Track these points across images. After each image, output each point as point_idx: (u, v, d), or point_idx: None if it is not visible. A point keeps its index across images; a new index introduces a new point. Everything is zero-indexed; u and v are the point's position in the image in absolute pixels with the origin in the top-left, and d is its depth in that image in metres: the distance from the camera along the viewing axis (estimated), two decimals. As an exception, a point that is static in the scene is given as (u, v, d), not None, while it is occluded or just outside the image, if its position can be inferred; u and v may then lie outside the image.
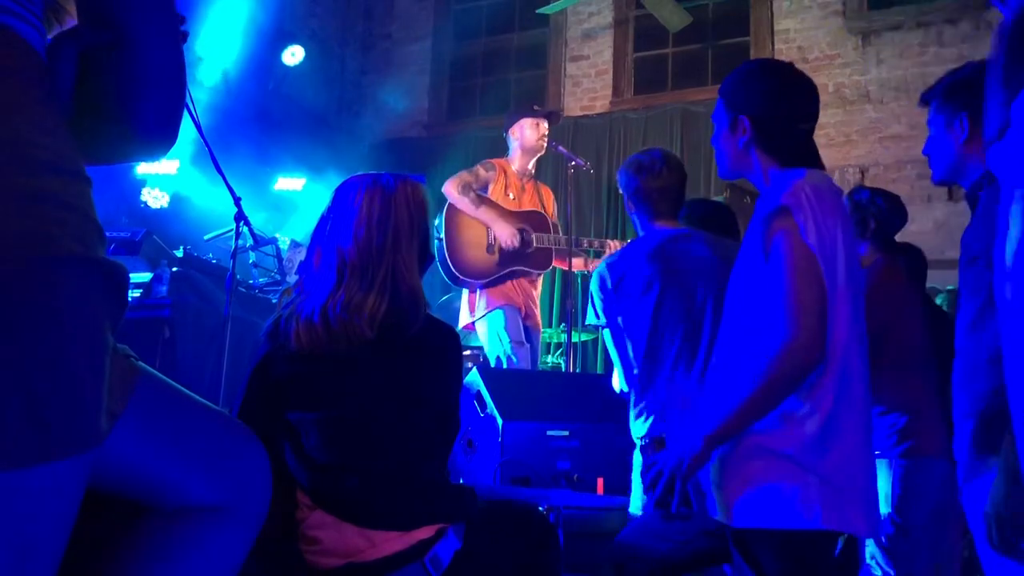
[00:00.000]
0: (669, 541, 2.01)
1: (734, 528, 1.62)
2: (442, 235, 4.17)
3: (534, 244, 4.27)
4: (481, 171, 4.34)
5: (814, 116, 1.80)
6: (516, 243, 4.19)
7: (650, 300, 2.35)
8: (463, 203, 4.22)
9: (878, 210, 2.71)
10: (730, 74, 1.85)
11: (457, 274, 4.17)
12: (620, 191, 2.63)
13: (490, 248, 4.22)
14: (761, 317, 1.61)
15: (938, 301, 3.79)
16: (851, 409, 1.59)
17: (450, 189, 4.25)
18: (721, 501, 1.64)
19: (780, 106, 1.77)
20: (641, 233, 2.57)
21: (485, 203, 4.24)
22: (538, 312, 4.42)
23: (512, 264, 4.26)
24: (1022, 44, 0.78)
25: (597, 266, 2.61)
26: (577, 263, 4.40)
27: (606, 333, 2.52)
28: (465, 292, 4.33)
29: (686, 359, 2.30)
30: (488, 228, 4.24)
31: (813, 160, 1.77)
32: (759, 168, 1.76)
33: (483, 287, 4.21)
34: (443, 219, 4.21)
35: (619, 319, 2.42)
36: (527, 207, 4.41)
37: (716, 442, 1.60)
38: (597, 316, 2.48)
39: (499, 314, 4.18)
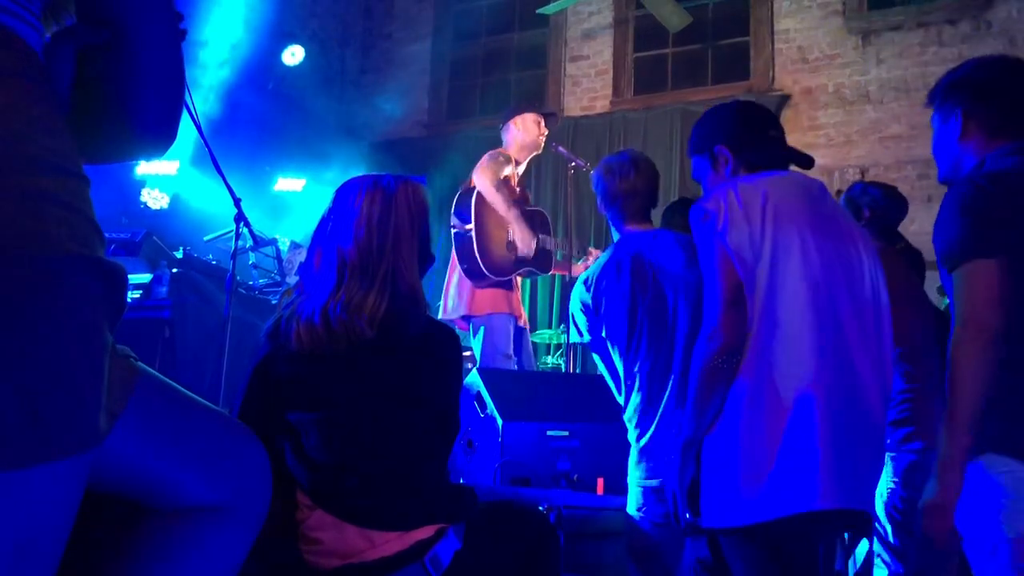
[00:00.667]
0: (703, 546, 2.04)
1: (703, 527, 1.69)
2: (471, 225, 4.09)
3: (541, 247, 4.27)
4: (503, 162, 4.26)
5: (777, 123, 1.93)
6: (532, 248, 4.18)
7: (625, 309, 2.39)
8: (497, 200, 4.13)
9: (871, 199, 2.71)
10: (696, 127, 1.98)
11: (484, 269, 4.09)
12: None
13: (508, 246, 4.20)
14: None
15: (947, 302, 3.78)
16: (778, 391, 1.62)
17: (486, 183, 4.12)
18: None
19: (746, 122, 1.89)
20: (616, 235, 2.60)
21: (513, 202, 4.21)
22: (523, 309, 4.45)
23: (524, 264, 4.25)
24: None
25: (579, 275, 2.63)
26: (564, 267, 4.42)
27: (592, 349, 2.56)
28: (465, 283, 4.20)
29: (662, 363, 2.33)
30: (510, 226, 4.21)
31: (796, 158, 1.87)
32: None
33: (495, 285, 4.17)
34: (472, 210, 4.11)
35: (603, 333, 2.45)
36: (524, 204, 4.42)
37: (689, 447, 1.68)
38: (581, 334, 2.54)
39: (497, 321, 4.16)
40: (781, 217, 1.70)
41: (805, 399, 1.62)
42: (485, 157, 4.27)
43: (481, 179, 4.15)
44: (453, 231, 4.16)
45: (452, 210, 4.24)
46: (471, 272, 4.12)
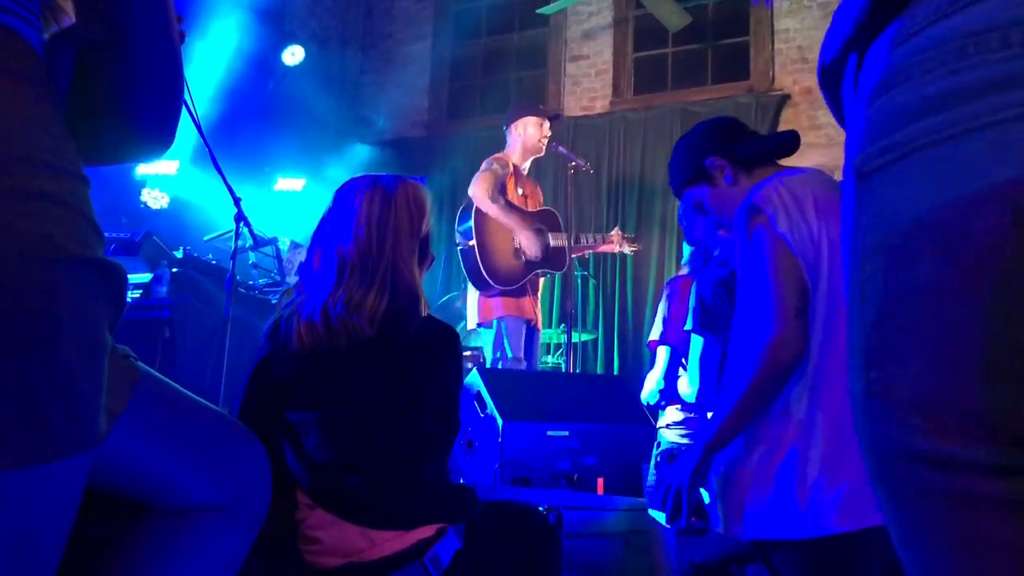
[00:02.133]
0: (701, 545, 2.01)
1: (747, 539, 1.59)
2: (473, 241, 4.14)
3: (552, 244, 4.31)
4: (498, 170, 4.28)
5: (744, 124, 1.87)
6: (539, 253, 4.21)
7: None
8: (493, 209, 4.17)
9: None
10: (670, 167, 1.89)
11: (491, 282, 4.13)
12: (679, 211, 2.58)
13: (516, 254, 4.24)
14: (748, 314, 1.60)
15: None
16: (842, 397, 1.55)
17: (480, 194, 4.16)
18: (723, 513, 1.62)
19: (724, 129, 1.81)
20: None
21: (512, 208, 4.25)
22: (539, 310, 4.46)
23: (536, 268, 4.29)
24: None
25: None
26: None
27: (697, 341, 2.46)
28: (475, 293, 4.29)
29: None
30: (513, 233, 4.23)
31: (778, 148, 1.78)
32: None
33: (505, 293, 4.22)
34: (472, 224, 4.17)
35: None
36: (532, 204, 4.43)
37: (714, 449, 1.59)
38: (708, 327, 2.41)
39: (507, 324, 4.20)
40: (828, 216, 1.60)
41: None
42: (481, 169, 4.30)
43: (476, 192, 4.19)
44: (458, 248, 4.21)
45: (456, 227, 4.28)
46: (480, 285, 4.17)
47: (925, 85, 0.57)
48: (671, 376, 3.03)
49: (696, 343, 2.47)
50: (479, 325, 4.27)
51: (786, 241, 1.55)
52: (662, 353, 3.08)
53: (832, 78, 0.73)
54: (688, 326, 2.46)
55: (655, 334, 3.27)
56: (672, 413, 3.02)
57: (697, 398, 2.46)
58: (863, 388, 0.60)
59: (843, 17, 0.67)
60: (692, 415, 2.90)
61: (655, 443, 3.08)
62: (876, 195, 0.59)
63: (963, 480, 0.52)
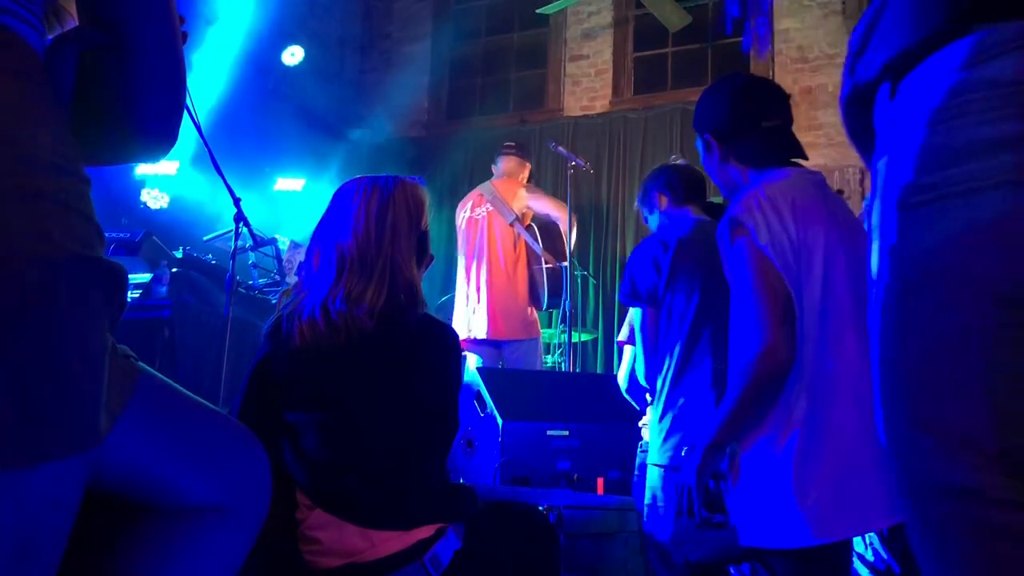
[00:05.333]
0: (698, 544, 2.01)
1: (744, 545, 1.63)
2: (566, 262, 4.35)
3: None
4: None
5: (779, 113, 1.80)
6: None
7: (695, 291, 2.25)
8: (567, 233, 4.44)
9: None
10: (696, 106, 1.89)
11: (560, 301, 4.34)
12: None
13: None
14: (737, 325, 1.64)
15: None
16: (834, 406, 1.57)
17: (567, 217, 4.39)
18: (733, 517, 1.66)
19: (734, 113, 1.78)
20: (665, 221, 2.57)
21: None
22: None
23: None
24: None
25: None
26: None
27: (638, 314, 2.36)
28: (527, 306, 4.44)
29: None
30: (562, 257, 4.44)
31: (791, 154, 1.77)
32: (740, 178, 1.77)
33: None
34: (566, 247, 4.37)
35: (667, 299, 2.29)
36: None
37: (714, 451, 1.63)
38: (632, 293, 2.35)
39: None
40: (812, 222, 1.62)
41: (855, 415, 1.56)
42: (539, 191, 4.53)
43: (562, 214, 4.40)
44: (546, 267, 4.33)
45: (535, 247, 4.38)
46: (561, 302, 4.38)
47: (982, 125, 0.54)
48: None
49: (636, 316, 2.44)
50: (532, 339, 4.38)
51: (766, 253, 1.58)
52: (628, 352, 3.11)
53: (861, 97, 0.70)
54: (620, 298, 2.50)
55: (624, 335, 3.27)
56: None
57: (644, 370, 2.40)
58: (906, 422, 0.60)
59: (892, 31, 0.64)
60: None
61: (639, 442, 3.10)
62: (917, 231, 0.58)
63: (994, 513, 0.54)
